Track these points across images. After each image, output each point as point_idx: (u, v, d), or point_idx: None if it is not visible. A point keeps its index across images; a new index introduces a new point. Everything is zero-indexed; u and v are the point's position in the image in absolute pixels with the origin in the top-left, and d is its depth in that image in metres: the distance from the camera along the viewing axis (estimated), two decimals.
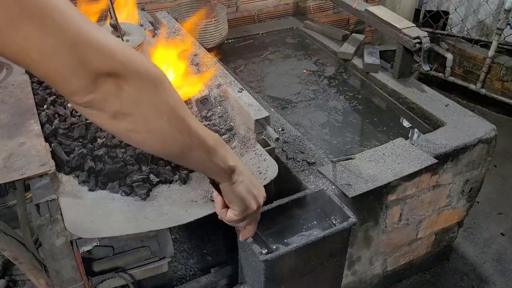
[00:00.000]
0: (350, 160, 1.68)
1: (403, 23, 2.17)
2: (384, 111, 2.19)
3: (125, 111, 0.66)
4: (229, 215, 0.93)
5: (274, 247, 1.33)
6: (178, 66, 1.69)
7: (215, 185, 0.90)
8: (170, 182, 1.42)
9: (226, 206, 0.94)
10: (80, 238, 1.27)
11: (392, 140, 1.81)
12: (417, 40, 2.06)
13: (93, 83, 0.61)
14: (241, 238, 1.06)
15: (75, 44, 0.58)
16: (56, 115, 1.52)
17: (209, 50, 2.17)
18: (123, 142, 1.45)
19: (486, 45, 3.35)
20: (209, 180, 0.91)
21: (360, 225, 1.70)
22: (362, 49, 2.50)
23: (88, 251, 1.43)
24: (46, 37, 0.56)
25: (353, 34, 2.65)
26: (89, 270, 1.51)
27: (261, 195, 0.95)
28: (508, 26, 3.09)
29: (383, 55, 2.42)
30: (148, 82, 0.68)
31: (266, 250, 1.30)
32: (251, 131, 1.52)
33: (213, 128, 1.61)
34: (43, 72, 0.60)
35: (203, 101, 1.65)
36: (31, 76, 1.74)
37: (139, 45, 1.59)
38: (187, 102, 1.69)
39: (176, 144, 0.75)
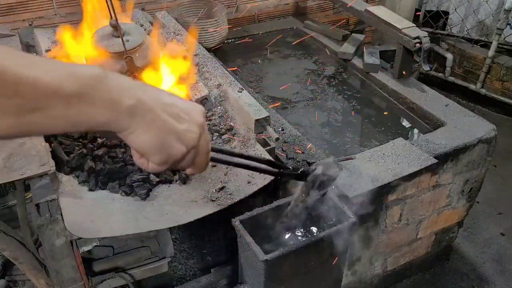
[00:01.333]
0: (350, 160, 1.68)
1: (403, 23, 2.16)
2: (384, 111, 2.19)
3: None
4: (152, 166, 0.68)
5: (274, 247, 1.33)
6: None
7: (115, 137, 0.64)
8: (170, 182, 1.42)
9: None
10: (80, 238, 1.27)
11: (392, 140, 1.81)
12: (417, 40, 2.06)
13: None
14: (188, 172, 0.78)
15: None
16: None
17: (209, 50, 2.17)
18: (123, 142, 1.44)
19: (486, 45, 3.35)
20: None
21: (360, 225, 1.70)
22: (362, 49, 2.50)
23: (88, 251, 1.43)
24: None
25: (353, 34, 2.65)
26: (89, 270, 1.51)
27: (192, 127, 0.67)
28: (508, 26, 3.09)
29: (383, 55, 2.42)
30: None
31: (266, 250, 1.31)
32: (251, 131, 1.52)
33: (213, 128, 1.61)
34: None
35: (203, 101, 1.65)
36: None
37: (139, 45, 1.59)
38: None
39: (15, 113, 0.52)
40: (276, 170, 0.97)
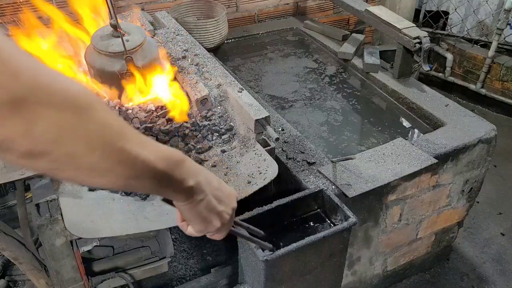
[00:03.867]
0: (350, 160, 1.68)
1: (403, 23, 2.17)
2: (384, 111, 2.19)
3: (40, 150, 0.53)
4: (190, 231, 0.86)
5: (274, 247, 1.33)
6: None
7: (169, 202, 0.81)
8: None
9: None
10: (80, 238, 1.27)
11: (392, 140, 1.81)
12: (417, 40, 2.06)
13: None
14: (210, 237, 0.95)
15: None
16: None
17: (209, 50, 2.17)
18: None
19: (486, 45, 3.35)
20: (160, 198, 0.81)
21: (360, 225, 1.70)
22: (362, 49, 2.50)
23: (88, 251, 1.43)
24: None
25: (353, 34, 2.65)
26: (89, 270, 1.51)
27: (228, 209, 0.85)
28: (508, 26, 3.08)
29: (383, 55, 2.42)
30: (70, 112, 0.54)
31: (266, 250, 1.31)
32: (251, 131, 1.52)
33: (213, 128, 1.61)
34: None
35: (203, 101, 1.65)
36: None
37: (139, 45, 1.59)
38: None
39: (116, 177, 0.63)
40: (270, 246, 1.23)
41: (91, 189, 1.35)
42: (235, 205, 0.88)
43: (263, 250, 1.25)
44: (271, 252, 1.26)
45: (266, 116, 1.49)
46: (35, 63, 0.52)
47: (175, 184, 0.72)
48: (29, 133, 0.51)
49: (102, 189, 1.36)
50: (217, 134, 1.60)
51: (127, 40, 1.56)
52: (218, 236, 0.90)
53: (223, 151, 1.55)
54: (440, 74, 3.56)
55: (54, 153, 0.54)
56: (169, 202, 0.81)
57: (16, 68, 0.49)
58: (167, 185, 0.71)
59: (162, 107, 1.64)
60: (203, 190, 0.78)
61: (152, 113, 1.61)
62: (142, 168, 0.65)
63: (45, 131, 0.52)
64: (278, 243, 1.35)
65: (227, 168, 1.48)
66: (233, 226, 0.97)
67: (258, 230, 1.19)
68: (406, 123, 2.10)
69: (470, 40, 3.48)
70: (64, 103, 0.53)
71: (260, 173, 1.42)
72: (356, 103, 2.22)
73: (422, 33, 2.08)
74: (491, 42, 3.21)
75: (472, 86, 3.41)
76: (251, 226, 1.18)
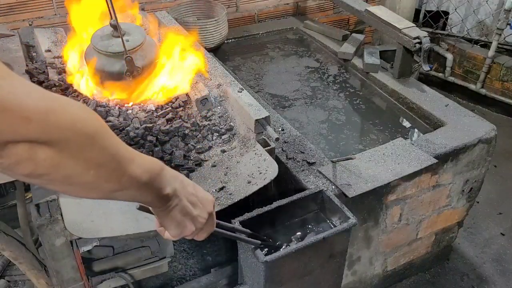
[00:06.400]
0: (350, 160, 1.68)
1: (403, 23, 2.16)
2: (384, 111, 2.19)
3: (41, 173, 0.57)
4: (167, 235, 0.89)
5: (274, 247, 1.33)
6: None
7: (146, 210, 0.84)
8: None
9: None
10: (80, 238, 1.27)
11: (392, 140, 1.81)
12: (417, 40, 2.06)
13: (0, 149, 0.52)
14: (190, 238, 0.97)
15: None
16: None
17: (209, 50, 2.17)
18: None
19: (486, 45, 3.35)
20: (137, 206, 0.84)
21: (360, 225, 1.70)
22: (362, 49, 2.50)
23: (88, 251, 1.43)
24: None
25: (353, 34, 2.65)
26: (89, 270, 1.51)
27: (204, 214, 0.87)
28: (508, 26, 3.08)
29: (383, 55, 2.42)
30: (73, 143, 0.57)
31: (266, 251, 1.31)
32: (251, 131, 1.52)
33: (213, 128, 1.61)
34: None
35: (203, 101, 1.65)
36: (31, 76, 1.74)
37: (139, 45, 1.59)
38: (187, 102, 1.70)
39: (103, 192, 0.67)
40: (258, 241, 1.26)
41: None
42: (210, 209, 0.89)
43: (257, 248, 1.27)
44: (271, 253, 1.27)
45: (266, 116, 1.49)
46: (44, 98, 0.54)
47: (153, 192, 0.75)
48: (33, 158, 0.54)
49: None
50: (217, 134, 1.60)
51: (127, 40, 1.56)
52: (198, 238, 0.93)
53: (223, 151, 1.55)
54: (440, 74, 3.56)
55: (52, 175, 0.58)
56: (145, 209, 0.84)
57: (27, 113, 0.52)
58: (146, 194, 0.74)
59: (162, 107, 1.64)
60: (178, 196, 0.81)
61: (152, 113, 1.61)
62: (128, 182, 0.68)
63: (48, 158, 0.56)
64: (275, 243, 1.36)
65: (227, 168, 1.48)
66: (217, 227, 0.99)
67: (244, 229, 1.23)
68: (406, 123, 2.10)
69: (470, 40, 3.48)
70: (70, 136, 0.57)
71: (260, 173, 1.42)
72: (356, 102, 2.22)
73: (422, 33, 2.08)
74: (491, 42, 3.21)
75: (472, 86, 3.41)
76: (236, 226, 1.22)
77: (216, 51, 2.60)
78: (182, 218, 0.83)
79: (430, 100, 2.08)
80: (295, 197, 1.42)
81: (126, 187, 0.69)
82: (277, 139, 1.46)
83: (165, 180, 0.77)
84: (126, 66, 1.55)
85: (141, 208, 0.85)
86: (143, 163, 0.71)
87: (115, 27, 1.55)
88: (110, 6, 1.46)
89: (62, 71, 1.76)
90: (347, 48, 2.51)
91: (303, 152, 1.72)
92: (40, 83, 1.68)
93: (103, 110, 1.56)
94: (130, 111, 1.59)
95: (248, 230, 1.25)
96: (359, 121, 2.12)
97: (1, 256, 1.96)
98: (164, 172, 0.77)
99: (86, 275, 1.42)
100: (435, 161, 1.68)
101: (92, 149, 0.60)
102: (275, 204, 1.39)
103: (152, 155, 1.45)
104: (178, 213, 0.82)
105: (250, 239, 1.24)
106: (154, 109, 1.62)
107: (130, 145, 1.41)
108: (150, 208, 0.83)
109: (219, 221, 1.05)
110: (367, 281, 1.98)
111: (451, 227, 2.12)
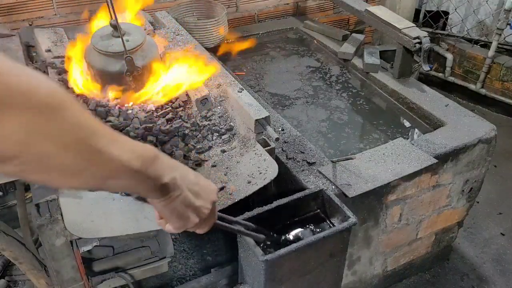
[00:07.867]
0: (350, 160, 1.68)
1: (403, 23, 2.16)
2: (384, 111, 2.19)
3: (9, 154, 0.52)
4: (168, 228, 0.84)
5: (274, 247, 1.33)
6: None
7: (144, 199, 0.79)
8: None
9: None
10: (80, 238, 1.27)
11: (392, 140, 1.81)
12: (417, 40, 2.06)
13: None
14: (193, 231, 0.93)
15: None
16: None
17: (209, 50, 2.17)
18: None
19: (486, 45, 3.35)
20: (134, 196, 0.79)
21: (360, 225, 1.70)
22: (362, 49, 2.50)
23: (88, 251, 1.43)
24: None
25: (353, 34, 2.65)
26: (89, 270, 1.51)
27: (207, 204, 0.83)
28: (508, 26, 3.08)
29: (383, 55, 2.42)
30: (38, 111, 0.52)
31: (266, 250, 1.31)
32: (251, 131, 1.52)
33: (213, 128, 1.61)
34: None
35: (203, 101, 1.65)
36: None
37: (139, 45, 1.59)
38: (187, 102, 1.70)
39: (90, 178, 0.62)
40: (262, 236, 1.23)
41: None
42: (214, 198, 0.85)
43: (257, 243, 1.26)
44: (271, 252, 1.26)
45: (266, 116, 1.49)
46: (5, 64, 0.51)
47: (149, 181, 0.71)
48: None
49: None
50: (217, 134, 1.60)
51: (127, 40, 1.56)
52: (200, 231, 0.89)
53: (223, 151, 1.55)
54: (440, 74, 3.56)
55: (23, 155, 0.53)
56: (143, 199, 0.79)
57: None
58: (141, 183, 0.70)
59: (162, 107, 1.64)
60: (178, 186, 0.76)
61: (152, 113, 1.61)
62: (116, 167, 0.63)
63: (12, 133, 0.50)
64: (277, 238, 1.36)
65: (227, 168, 1.48)
66: (218, 220, 0.95)
67: (248, 223, 1.18)
68: (406, 123, 2.10)
69: (470, 40, 3.48)
70: (32, 103, 0.51)
71: (260, 173, 1.42)
72: (359, 103, 2.22)
73: (422, 33, 2.08)
74: (491, 42, 3.21)
75: (472, 86, 3.41)
76: (239, 220, 1.17)
77: (216, 51, 2.60)
78: (184, 209, 0.79)
79: (430, 100, 2.08)
80: (295, 196, 1.42)
81: (116, 175, 0.64)
82: (277, 139, 1.46)
83: (161, 168, 0.72)
84: (126, 66, 1.55)
85: (138, 198, 0.80)
86: (133, 147, 0.67)
87: (115, 27, 1.55)
88: (110, 6, 1.46)
89: (62, 71, 1.76)
90: (347, 48, 2.51)
91: (303, 152, 1.72)
92: None
93: (103, 110, 1.56)
94: (130, 111, 1.59)
95: (251, 224, 1.20)
96: (359, 121, 2.13)
97: (1, 256, 1.97)
98: (159, 160, 0.71)
99: (86, 275, 1.42)
100: (435, 161, 1.68)
101: (62, 120, 0.55)
102: (275, 204, 1.39)
103: None
104: (180, 204, 0.78)
105: (253, 233, 1.20)
106: (154, 109, 1.62)
107: None
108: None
109: (221, 213, 1.02)
110: (367, 281, 1.98)
111: (451, 227, 2.12)
